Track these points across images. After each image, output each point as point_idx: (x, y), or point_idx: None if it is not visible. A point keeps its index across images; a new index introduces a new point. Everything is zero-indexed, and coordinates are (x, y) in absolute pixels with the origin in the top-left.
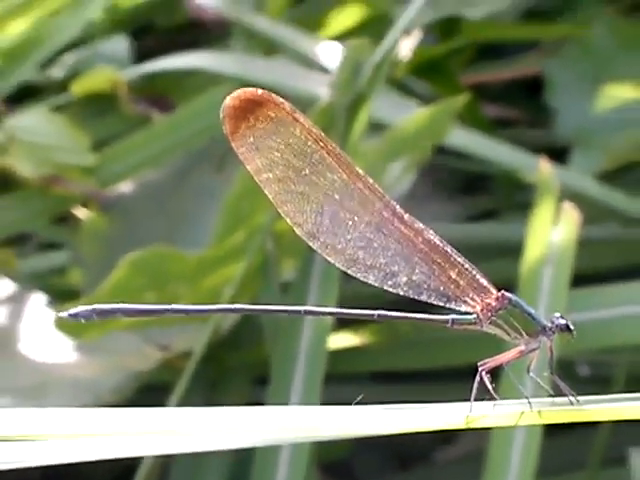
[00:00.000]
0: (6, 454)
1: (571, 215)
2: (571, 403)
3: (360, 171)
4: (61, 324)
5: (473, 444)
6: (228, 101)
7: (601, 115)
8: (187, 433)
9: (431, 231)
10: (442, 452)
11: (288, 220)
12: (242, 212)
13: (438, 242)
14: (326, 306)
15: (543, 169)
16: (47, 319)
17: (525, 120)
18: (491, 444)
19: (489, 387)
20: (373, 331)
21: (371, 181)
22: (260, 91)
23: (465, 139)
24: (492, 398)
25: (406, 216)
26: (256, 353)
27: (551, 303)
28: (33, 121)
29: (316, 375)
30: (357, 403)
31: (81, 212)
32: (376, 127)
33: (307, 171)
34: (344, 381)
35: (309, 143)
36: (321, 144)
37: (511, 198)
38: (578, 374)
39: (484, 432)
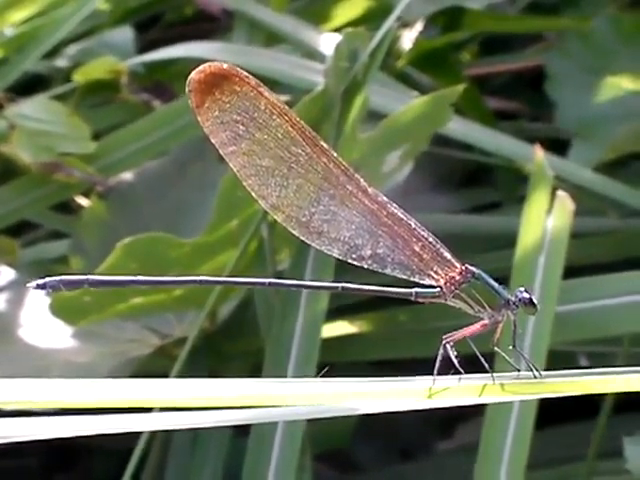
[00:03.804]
0: (5, 428)
1: (565, 203)
2: (534, 377)
3: (324, 145)
4: (58, 310)
5: (473, 436)
6: (194, 75)
7: (601, 107)
8: (186, 402)
9: (395, 205)
10: (441, 443)
11: (253, 193)
12: (238, 199)
13: (402, 216)
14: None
15: (537, 156)
16: (47, 306)
17: (527, 113)
18: (483, 435)
19: (454, 360)
20: (369, 320)
21: (335, 155)
22: (225, 65)
23: (467, 131)
24: (457, 372)
25: (370, 189)
26: (252, 341)
27: (545, 290)
28: (34, 109)
29: (310, 362)
30: (323, 375)
31: (82, 200)
32: (378, 118)
33: (272, 145)
34: (340, 370)
35: (274, 117)
36: (285, 118)
37: (512, 190)
38: (579, 365)
39: (483, 424)
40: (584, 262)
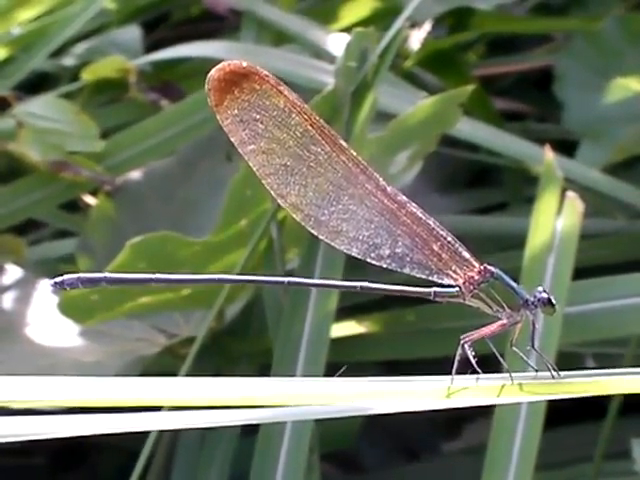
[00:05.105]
0: (13, 427)
1: (575, 204)
2: (552, 377)
3: (344, 144)
4: (67, 309)
5: (479, 437)
6: (213, 73)
7: (609, 108)
8: (195, 401)
9: (414, 204)
10: (447, 444)
11: (272, 192)
12: (247, 198)
13: (421, 215)
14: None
15: (547, 157)
16: (54, 305)
17: (534, 114)
18: (492, 436)
19: (471, 360)
20: (377, 320)
21: (354, 154)
22: (245, 64)
23: (474, 131)
24: (475, 371)
25: (389, 189)
26: (260, 341)
27: (554, 291)
28: (42, 107)
29: (319, 361)
30: (340, 375)
31: (89, 199)
32: (386, 118)
33: (291, 143)
34: (348, 370)
35: (293, 115)
36: (305, 117)
37: (520, 191)
38: (585, 366)
39: (490, 424)
40: (590, 263)
